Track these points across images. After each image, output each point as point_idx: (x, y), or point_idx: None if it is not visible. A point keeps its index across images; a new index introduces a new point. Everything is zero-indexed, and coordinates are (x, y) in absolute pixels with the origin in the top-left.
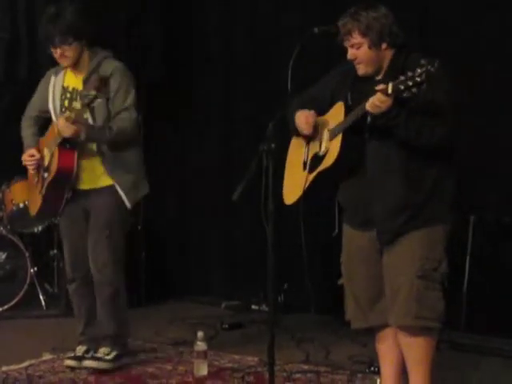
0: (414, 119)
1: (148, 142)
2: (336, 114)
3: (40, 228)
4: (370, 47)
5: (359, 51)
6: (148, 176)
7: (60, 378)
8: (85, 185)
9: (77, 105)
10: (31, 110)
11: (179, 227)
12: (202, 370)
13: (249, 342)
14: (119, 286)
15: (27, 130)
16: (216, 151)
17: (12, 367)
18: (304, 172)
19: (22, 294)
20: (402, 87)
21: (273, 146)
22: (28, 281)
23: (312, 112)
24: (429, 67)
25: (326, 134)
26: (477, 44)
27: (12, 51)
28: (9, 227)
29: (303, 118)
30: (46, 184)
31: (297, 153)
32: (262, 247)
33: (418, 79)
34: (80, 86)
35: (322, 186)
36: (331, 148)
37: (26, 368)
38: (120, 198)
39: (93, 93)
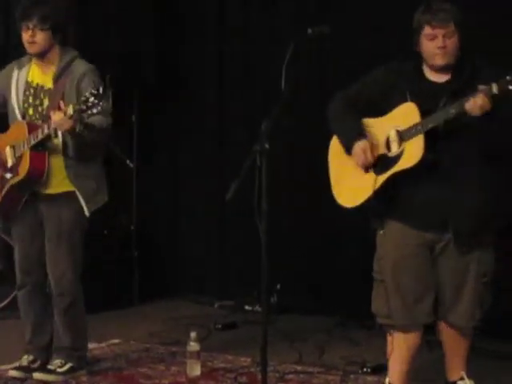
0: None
1: (141, 142)
2: (404, 115)
3: None
4: (458, 39)
5: (450, 41)
6: (141, 175)
7: None
8: (46, 189)
9: (69, 109)
10: None
11: (172, 227)
12: (195, 370)
13: (242, 343)
14: (77, 295)
15: None
16: (209, 151)
17: (3, 367)
18: (367, 174)
19: (13, 294)
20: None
21: (266, 146)
22: None
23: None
24: None
25: (394, 135)
26: None
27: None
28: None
29: (362, 155)
30: (8, 185)
31: (346, 154)
32: (256, 247)
33: None
34: (47, 83)
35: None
36: (410, 148)
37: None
38: (80, 205)
39: (92, 100)
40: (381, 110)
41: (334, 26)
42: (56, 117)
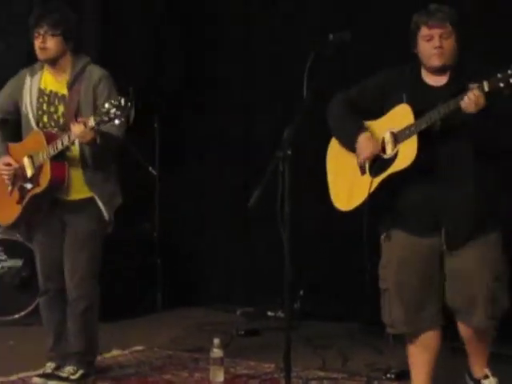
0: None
1: (164, 149)
2: (399, 116)
3: None
4: (456, 41)
5: (447, 42)
6: (164, 182)
7: None
8: (67, 195)
9: (90, 120)
10: None
11: (195, 233)
12: (219, 376)
13: (265, 349)
14: (94, 300)
15: None
16: (233, 158)
17: (29, 373)
18: (364, 176)
19: (36, 301)
20: (503, 84)
21: (289, 152)
22: None
23: (377, 144)
24: None
25: (388, 137)
26: None
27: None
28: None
29: (368, 148)
30: (29, 195)
31: (344, 157)
32: (279, 254)
33: None
34: (61, 90)
35: None
36: (404, 150)
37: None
38: (99, 210)
39: (114, 112)
40: (380, 113)
41: (359, 33)
42: (76, 129)
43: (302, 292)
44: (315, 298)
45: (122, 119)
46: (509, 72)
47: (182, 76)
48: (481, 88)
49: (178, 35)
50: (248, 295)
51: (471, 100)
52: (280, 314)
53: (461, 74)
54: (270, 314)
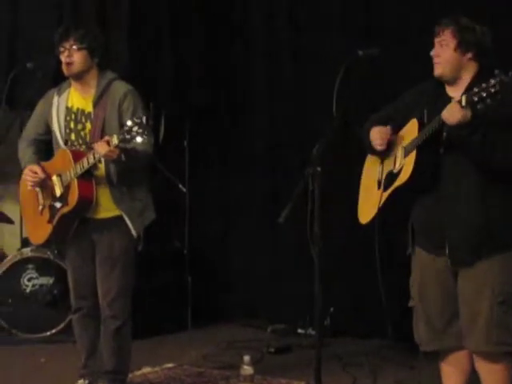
0: (491, 136)
1: (193, 166)
2: (410, 131)
3: None
4: (455, 49)
5: (443, 49)
6: (194, 200)
7: None
8: (96, 214)
9: (114, 139)
10: (29, 133)
11: (225, 251)
12: None
13: (295, 366)
14: (127, 319)
15: (25, 150)
16: (261, 175)
17: None
18: (379, 190)
19: (68, 318)
20: (476, 98)
21: (318, 169)
22: None
23: (388, 128)
24: (502, 77)
25: (400, 151)
26: None
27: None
28: (56, 252)
29: (377, 134)
30: (59, 214)
31: (371, 172)
32: (309, 271)
33: (492, 89)
34: (88, 107)
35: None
36: (406, 164)
37: None
38: (127, 227)
39: (136, 130)
40: None
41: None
42: (100, 148)
43: (332, 309)
44: (345, 314)
45: (145, 137)
46: (483, 86)
47: (211, 94)
48: (459, 102)
49: (205, 54)
50: (278, 312)
51: (448, 113)
52: (310, 331)
53: (476, 85)
54: (300, 331)
